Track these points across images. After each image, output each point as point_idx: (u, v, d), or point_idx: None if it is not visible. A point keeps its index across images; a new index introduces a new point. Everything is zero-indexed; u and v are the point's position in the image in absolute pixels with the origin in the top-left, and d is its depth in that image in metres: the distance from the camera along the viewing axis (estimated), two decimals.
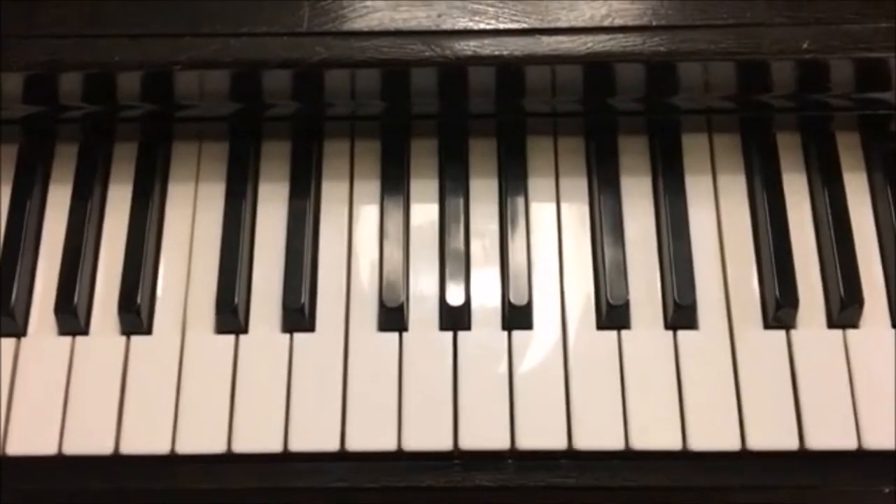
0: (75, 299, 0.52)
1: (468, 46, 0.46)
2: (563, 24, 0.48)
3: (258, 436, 0.50)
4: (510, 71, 0.50)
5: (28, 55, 0.47)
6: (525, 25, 0.47)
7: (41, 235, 0.55)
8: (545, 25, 0.47)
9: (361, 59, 0.46)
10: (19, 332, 0.53)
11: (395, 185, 0.55)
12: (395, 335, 0.52)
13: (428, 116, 0.56)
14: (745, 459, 0.49)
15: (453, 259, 0.53)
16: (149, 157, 0.56)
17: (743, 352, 0.51)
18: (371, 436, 0.49)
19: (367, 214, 0.55)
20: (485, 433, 0.49)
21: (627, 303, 0.51)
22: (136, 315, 0.52)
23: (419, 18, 0.47)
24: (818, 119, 0.55)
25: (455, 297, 0.52)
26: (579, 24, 0.47)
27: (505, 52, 0.46)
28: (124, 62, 0.46)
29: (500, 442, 0.49)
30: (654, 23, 0.46)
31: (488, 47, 0.46)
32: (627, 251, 0.53)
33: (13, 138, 0.56)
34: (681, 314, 0.51)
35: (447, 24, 0.47)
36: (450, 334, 0.52)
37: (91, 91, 0.50)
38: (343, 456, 0.50)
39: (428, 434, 0.49)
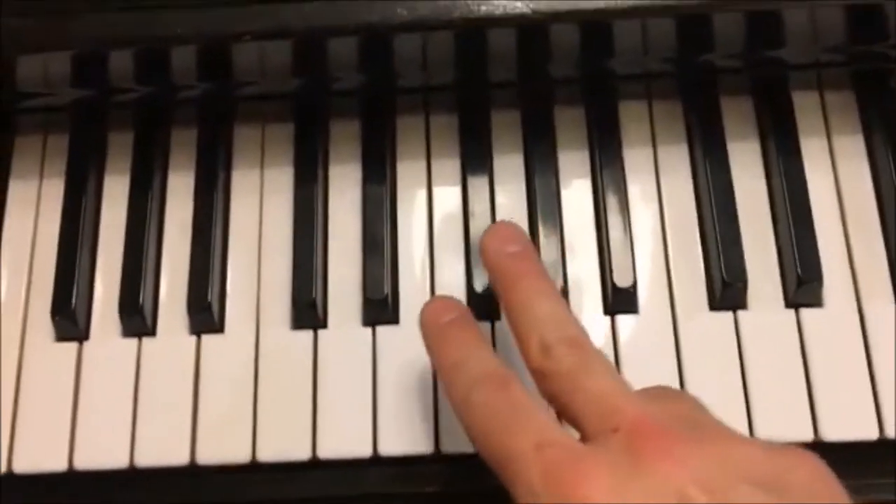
0: (141, 298, 0.48)
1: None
2: None
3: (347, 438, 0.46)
4: (594, 27, 0.45)
5: (76, 31, 0.43)
6: None
7: (98, 230, 0.51)
8: None
9: (448, 20, 0.41)
10: (81, 335, 0.49)
11: (477, 163, 0.51)
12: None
13: (508, 84, 0.51)
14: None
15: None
16: (209, 141, 0.51)
17: (874, 329, 0.46)
18: None
19: (448, 195, 0.51)
20: None
21: (746, 282, 0.47)
22: (207, 313, 0.48)
23: None
24: None
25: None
26: None
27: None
28: (186, 35, 0.41)
29: None
30: None
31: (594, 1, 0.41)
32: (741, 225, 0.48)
33: (62, 127, 0.52)
34: (804, 291, 0.47)
35: None
36: None
37: (146, 70, 0.46)
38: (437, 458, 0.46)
39: None
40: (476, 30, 0.43)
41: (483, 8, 0.41)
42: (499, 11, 0.41)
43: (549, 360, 0.37)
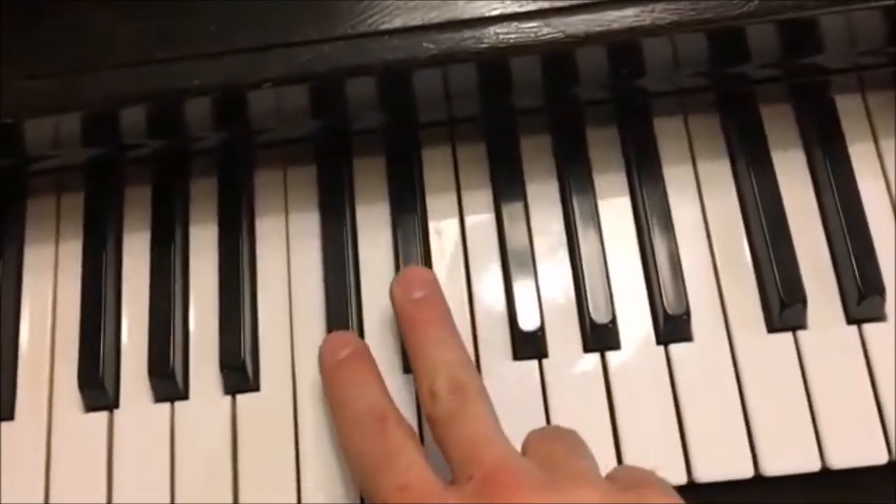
0: (171, 361, 0.46)
1: (603, 21, 0.39)
2: None
3: None
4: (628, 47, 0.43)
5: (88, 90, 0.41)
6: None
7: (121, 291, 0.49)
8: None
9: (476, 51, 0.39)
10: (111, 404, 0.47)
11: (510, 191, 0.49)
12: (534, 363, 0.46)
13: (537, 110, 0.49)
14: None
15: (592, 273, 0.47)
16: (229, 189, 0.49)
17: None
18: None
19: (482, 225, 0.49)
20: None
21: (805, 301, 0.44)
22: (241, 371, 0.46)
23: None
24: None
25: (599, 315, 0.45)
26: None
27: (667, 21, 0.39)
28: (205, 86, 0.39)
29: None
30: None
31: (628, 20, 0.39)
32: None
33: (76, 185, 0.50)
34: (866, 305, 0.44)
35: (565, 1, 0.40)
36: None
37: (161, 124, 0.44)
38: None
39: None
40: (505, 59, 0.41)
41: (513, 36, 0.39)
42: (528, 38, 0.39)
43: (434, 405, 0.39)
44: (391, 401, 0.41)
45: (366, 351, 0.43)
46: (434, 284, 0.44)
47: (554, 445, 0.39)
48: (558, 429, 0.41)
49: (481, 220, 0.49)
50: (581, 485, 0.36)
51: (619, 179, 0.49)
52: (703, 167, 0.49)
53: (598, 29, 0.39)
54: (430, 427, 0.40)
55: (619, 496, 0.36)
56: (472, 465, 0.37)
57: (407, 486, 0.37)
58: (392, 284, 0.44)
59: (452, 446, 0.38)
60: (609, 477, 0.38)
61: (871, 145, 0.49)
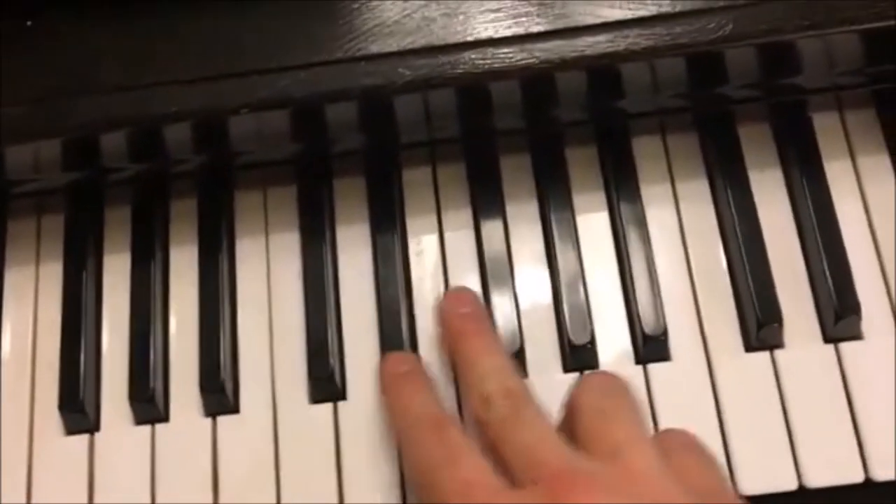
0: (151, 383, 0.46)
1: (577, 46, 0.39)
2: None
3: None
4: (604, 71, 0.43)
5: (67, 116, 0.41)
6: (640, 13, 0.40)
7: (101, 313, 0.49)
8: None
9: (452, 77, 0.39)
10: (91, 427, 0.47)
11: (490, 210, 0.49)
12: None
13: (516, 131, 0.49)
14: None
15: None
16: (209, 211, 0.49)
17: None
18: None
19: (462, 244, 0.49)
20: None
21: (782, 321, 0.45)
22: (220, 394, 0.46)
23: (509, 23, 0.40)
24: None
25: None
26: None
27: (620, 48, 0.39)
28: (182, 112, 0.39)
29: None
30: None
31: (602, 45, 0.39)
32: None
33: (56, 208, 0.50)
34: (842, 325, 0.45)
35: (543, 26, 0.40)
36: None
37: (140, 149, 0.44)
38: None
39: None
40: (480, 84, 0.41)
41: (488, 62, 0.39)
42: (504, 64, 0.39)
43: (487, 410, 0.40)
44: (448, 410, 0.43)
45: (424, 369, 0.45)
46: (479, 302, 0.46)
47: (611, 427, 0.38)
48: (611, 394, 0.40)
49: (461, 239, 0.49)
50: (649, 482, 0.36)
51: (597, 199, 0.49)
52: (681, 186, 0.49)
53: (572, 55, 0.39)
54: (481, 432, 0.40)
55: (684, 497, 0.36)
56: (536, 469, 0.37)
57: (471, 483, 0.37)
58: (441, 303, 0.46)
59: (510, 450, 0.38)
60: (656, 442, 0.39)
61: (848, 163, 0.49)
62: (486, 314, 0.46)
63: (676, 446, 0.39)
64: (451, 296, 0.47)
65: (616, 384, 0.41)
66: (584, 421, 0.39)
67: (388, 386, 0.45)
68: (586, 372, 0.46)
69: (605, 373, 0.44)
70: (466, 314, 0.45)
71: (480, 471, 0.38)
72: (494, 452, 0.39)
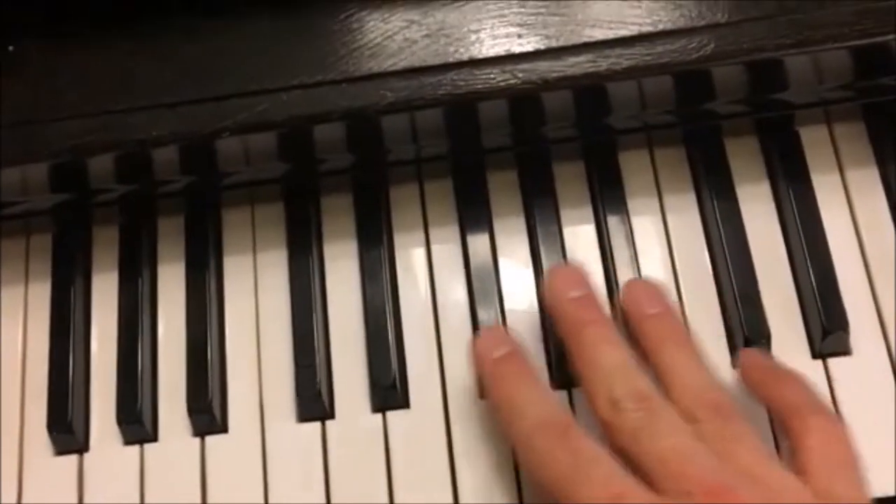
0: (139, 404, 0.46)
1: (558, 67, 0.39)
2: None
3: None
4: (587, 91, 0.43)
5: (52, 142, 0.41)
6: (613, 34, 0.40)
7: (90, 332, 0.49)
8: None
9: (434, 98, 0.39)
10: (81, 447, 0.47)
11: (477, 225, 0.49)
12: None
13: (503, 148, 0.49)
14: None
15: None
16: (197, 229, 0.49)
17: None
18: None
19: (449, 260, 0.49)
20: None
21: (769, 338, 0.44)
22: (208, 414, 0.46)
23: (491, 44, 0.40)
24: None
25: None
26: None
27: (602, 69, 0.39)
28: (163, 136, 0.39)
29: None
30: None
31: (584, 65, 0.39)
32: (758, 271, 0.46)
33: (45, 228, 0.50)
34: (830, 340, 0.45)
35: (524, 47, 0.40)
36: None
37: (126, 171, 0.44)
38: None
39: None
40: (464, 105, 0.41)
41: (470, 82, 0.39)
42: (486, 85, 0.39)
43: (618, 415, 0.38)
44: (563, 407, 0.41)
45: (522, 349, 0.42)
46: (588, 282, 0.43)
47: (746, 455, 0.37)
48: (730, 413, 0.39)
49: (449, 255, 0.49)
50: (798, 493, 0.35)
51: (584, 213, 0.49)
52: (668, 200, 0.49)
53: (553, 75, 0.39)
54: (607, 432, 0.38)
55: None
56: (684, 480, 0.35)
57: (621, 495, 0.35)
58: (547, 280, 0.43)
59: (649, 459, 0.37)
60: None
61: (837, 177, 0.49)
62: (597, 296, 0.42)
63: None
64: (557, 277, 0.43)
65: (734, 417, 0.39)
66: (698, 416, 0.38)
67: (488, 376, 0.42)
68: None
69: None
70: (579, 298, 0.42)
71: (624, 479, 0.36)
72: (622, 455, 0.37)
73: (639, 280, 0.45)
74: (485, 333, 0.43)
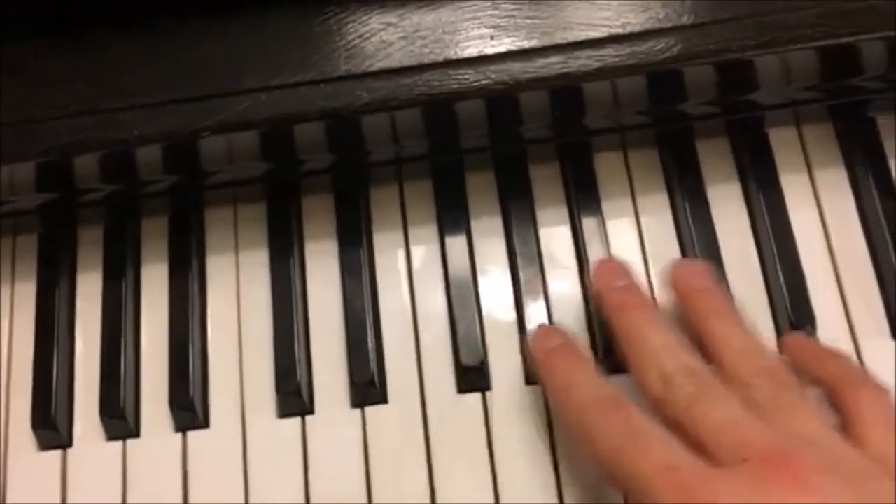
0: (121, 400, 0.47)
1: (530, 68, 0.40)
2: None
3: None
4: (559, 92, 0.44)
5: (36, 141, 0.42)
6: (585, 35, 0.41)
7: (74, 331, 0.50)
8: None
9: (409, 99, 0.40)
10: (64, 443, 0.47)
11: (455, 226, 0.50)
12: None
13: (481, 148, 0.50)
14: None
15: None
16: (180, 228, 0.50)
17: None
18: None
19: (428, 259, 0.50)
20: None
21: None
22: (190, 410, 0.47)
23: (465, 46, 0.41)
24: None
25: None
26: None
27: (577, 69, 0.40)
28: (145, 135, 0.40)
29: None
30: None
31: (555, 66, 0.40)
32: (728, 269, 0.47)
33: (31, 227, 0.51)
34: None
35: (497, 48, 0.41)
36: None
37: (111, 170, 0.45)
38: None
39: None
40: (440, 105, 0.42)
41: (444, 83, 0.40)
42: (460, 85, 0.40)
43: (670, 390, 0.39)
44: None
45: (574, 342, 0.44)
46: (632, 274, 0.45)
47: (805, 422, 0.37)
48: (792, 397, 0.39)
49: (427, 254, 0.50)
50: (867, 469, 0.35)
51: (560, 214, 0.50)
52: (641, 200, 0.50)
53: (525, 76, 0.40)
54: (660, 408, 0.39)
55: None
56: (744, 449, 0.36)
57: (676, 467, 0.36)
58: (593, 275, 0.45)
59: (704, 429, 0.37)
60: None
61: (805, 177, 0.50)
62: (639, 285, 0.44)
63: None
64: (603, 270, 0.45)
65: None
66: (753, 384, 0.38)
67: (542, 363, 0.43)
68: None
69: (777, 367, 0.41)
70: (624, 287, 0.44)
71: (679, 451, 0.37)
72: (676, 430, 0.38)
73: (685, 260, 0.47)
74: (540, 330, 0.46)
